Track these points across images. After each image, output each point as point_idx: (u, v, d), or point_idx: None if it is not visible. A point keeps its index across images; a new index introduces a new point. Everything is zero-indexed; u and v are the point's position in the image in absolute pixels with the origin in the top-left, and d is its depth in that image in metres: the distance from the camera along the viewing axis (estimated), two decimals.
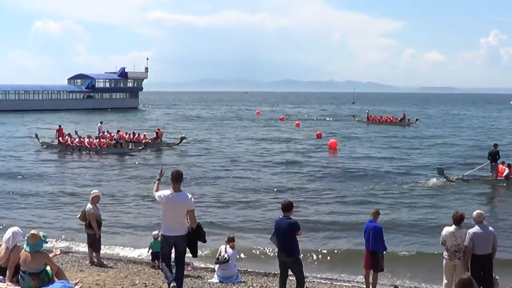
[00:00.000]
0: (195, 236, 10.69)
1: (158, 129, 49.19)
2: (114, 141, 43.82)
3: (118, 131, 47.07)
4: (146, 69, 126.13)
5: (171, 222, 10.48)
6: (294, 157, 41.50)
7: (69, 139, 44.60)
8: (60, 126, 48.18)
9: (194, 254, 11.00)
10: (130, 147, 44.47)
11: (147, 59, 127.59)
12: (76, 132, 47.71)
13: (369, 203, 23.99)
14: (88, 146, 43.36)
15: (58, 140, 45.56)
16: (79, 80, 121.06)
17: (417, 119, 78.60)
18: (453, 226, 11.68)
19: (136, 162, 38.28)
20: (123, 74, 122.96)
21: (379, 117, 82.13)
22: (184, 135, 47.35)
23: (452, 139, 56.49)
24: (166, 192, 10.52)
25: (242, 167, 36.04)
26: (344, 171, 34.22)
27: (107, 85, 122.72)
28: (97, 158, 40.82)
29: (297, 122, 79.07)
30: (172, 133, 51.39)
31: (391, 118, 79.79)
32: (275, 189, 28.40)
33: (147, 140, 44.70)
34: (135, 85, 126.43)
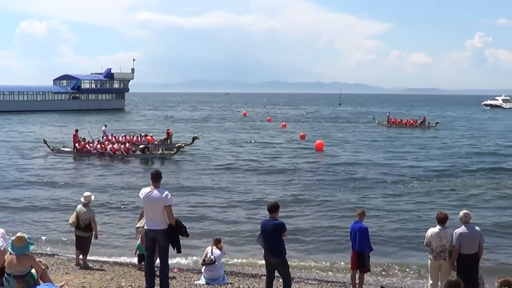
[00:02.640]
0: (176, 231, 11.15)
1: (168, 129, 47.58)
2: (142, 146, 41.47)
3: (146, 135, 44.36)
4: (133, 70, 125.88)
5: (150, 217, 11.14)
6: (280, 158, 41.70)
7: (87, 145, 41.96)
8: (76, 130, 44.28)
9: (178, 250, 11.39)
10: (160, 151, 42.06)
11: (134, 60, 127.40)
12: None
13: (356, 204, 24.06)
14: (111, 152, 40.74)
15: (75, 145, 42.43)
16: (64, 81, 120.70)
17: (437, 122, 77.10)
18: (438, 227, 11.74)
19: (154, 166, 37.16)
20: (109, 75, 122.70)
21: (399, 120, 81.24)
22: (196, 135, 44.96)
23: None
24: (146, 189, 11.19)
25: (227, 170, 35.90)
26: (330, 172, 34.42)
27: (93, 86, 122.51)
28: (124, 164, 38.56)
29: (283, 123, 79.20)
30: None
31: (412, 121, 78.84)
32: (262, 191, 28.53)
33: (181, 144, 42.33)
34: (121, 86, 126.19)
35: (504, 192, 28.16)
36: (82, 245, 14.89)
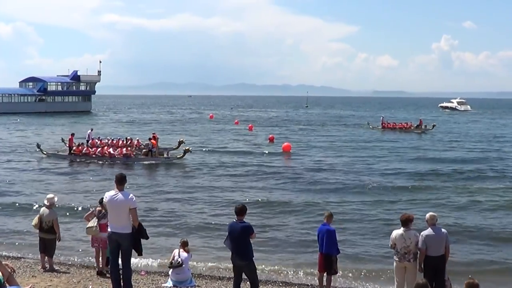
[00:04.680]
0: (138, 234, 11.33)
1: (154, 133, 45.45)
2: (146, 149, 40.48)
3: (149, 138, 42.48)
4: (99, 72, 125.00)
5: (114, 220, 11.24)
6: (248, 161, 41.77)
7: (85, 148, 40.79)
8: (72, 134, 43.24)
9: (139, 252, 11.63)
10: (165, 155, 40.66)
11: (100, 62, 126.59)
12: (62, 140, 44.12)
13: (324, 207, 24.20)
14: (111, 155, 39.61)
15: (70, 149, 41.24)
16: (31, 83, 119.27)
17: (434, 125, 75.51)
18: (402, 228, 11.86)
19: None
20: (75, 77, 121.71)
21: (394, 124, 79.40)
22: (182, 139, 43.88)
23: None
24: (111, 192, 11.27)
25: (194, 173, 35.85)
26: (299, 176, 34.53)
27: (59, 88, 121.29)
28: (125, 169, 35.56)
29: (250, 125, 79.16)
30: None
31: (407, 125, 77.13)
32: (230, 194, 28.57)
33: (188, 148, 39.70)
34: (87, 88, 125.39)
35: (474, 196, 28.27)
36: (47, 248, 14.79)
